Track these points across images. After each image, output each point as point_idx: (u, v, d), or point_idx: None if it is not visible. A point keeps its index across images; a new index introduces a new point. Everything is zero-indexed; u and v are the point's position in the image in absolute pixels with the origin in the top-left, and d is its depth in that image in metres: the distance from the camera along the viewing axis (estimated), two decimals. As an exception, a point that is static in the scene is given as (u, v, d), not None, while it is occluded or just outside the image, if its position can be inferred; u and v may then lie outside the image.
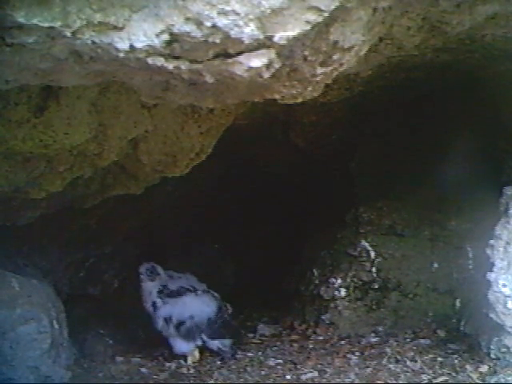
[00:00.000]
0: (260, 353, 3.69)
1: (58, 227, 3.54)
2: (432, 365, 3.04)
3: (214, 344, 3.64)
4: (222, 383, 3.21)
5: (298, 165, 5.11)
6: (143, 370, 3.47)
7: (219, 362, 3.54)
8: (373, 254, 3.99)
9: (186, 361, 3.58)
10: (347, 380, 3.03)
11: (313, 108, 3.98)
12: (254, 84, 1.64)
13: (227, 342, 3.67)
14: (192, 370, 3.46)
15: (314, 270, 4.30)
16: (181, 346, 3.61)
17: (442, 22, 2.29)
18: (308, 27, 1.46)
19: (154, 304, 3.71)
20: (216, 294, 3.81)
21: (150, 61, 1.52)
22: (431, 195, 3.88)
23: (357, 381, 3.00)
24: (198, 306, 3.68)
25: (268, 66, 1.53)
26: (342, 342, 3.72)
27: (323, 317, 4.01)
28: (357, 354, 3.45)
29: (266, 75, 1.57)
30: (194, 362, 3.56)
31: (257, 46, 1.48)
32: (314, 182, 5.12)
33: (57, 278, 3.83)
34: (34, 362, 2.83)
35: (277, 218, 5.76)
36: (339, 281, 4.03)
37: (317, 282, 4.23)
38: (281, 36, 1.45)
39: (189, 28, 1.43)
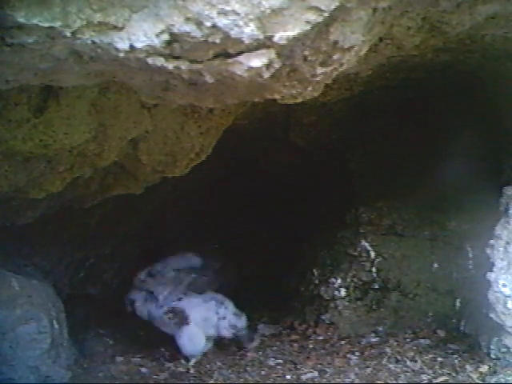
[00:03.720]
0: (260, 353, 3.69)
1: (57, 227, 3.54)
2: (432, 365, 3.04)
3: (228, 331, 3.64)
4: (221, 383, 3.22)
5: (297, 165, 5.11)
6: (143, 370, 3.47)
7: (219, 363, 3.54)
8: (373, 254, 4.00)
9: (187, 360, 3.57)
10: (347, 380, 3.04)
11: (313, 108, 3.98)
12: (254, 84, 1.64)
13: (240, 323, 3.67)
14: (192, 370, 3.46)
15: (314, 270, 4.30)
16: (190, 342, 3.59)
17: (442, 22, 2.29)
18: (308, 27, 1.45)
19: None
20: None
21: (150, 61, 1.52)
22: (431, 195, 3.88)
23: (357, 381, 3.01)
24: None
25: (268, 65, 1.53)
26: (342, 342, 3.72)
27: (323, 317, 4.02)
28: (357, 353, 3.45)
29: (266, 75, 1.57)
30: (194, 362, 3.56)
31: (257, 46, 1.48)
32: (314, 182, 5.12)
33: (57, 278, 3.83)
34: (34, 362, 2.83)
35: (277, 217, 5.76)
36: (339, 281, 4.03)
37: (317, 281, 4.23)
38: (281, 36, 1.45)
39: (189, 28, 1.42)
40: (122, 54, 1.50)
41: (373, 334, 3.77)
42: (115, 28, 1.46)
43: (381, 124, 4.27)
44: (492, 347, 2.88)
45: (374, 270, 3.98)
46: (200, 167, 3.33)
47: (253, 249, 5.94)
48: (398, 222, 4.06)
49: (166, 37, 1.45)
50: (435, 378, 2.88)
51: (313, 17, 1.44)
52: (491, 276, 2.79)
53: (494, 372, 2.77)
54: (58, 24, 1.44)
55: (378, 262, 3.97)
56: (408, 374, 3.00)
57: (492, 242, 2.86)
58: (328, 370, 3.22)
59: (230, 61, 1.52)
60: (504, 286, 2.74)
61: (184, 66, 1.54)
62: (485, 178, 3.39)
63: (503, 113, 3.40)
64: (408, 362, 3.13)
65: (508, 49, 2.75)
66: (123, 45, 1.47)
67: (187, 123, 2.98)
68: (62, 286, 3.88)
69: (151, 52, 1.49)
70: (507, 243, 2.81)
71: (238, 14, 1.39)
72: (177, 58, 1.53)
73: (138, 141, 2.87)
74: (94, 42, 1.49)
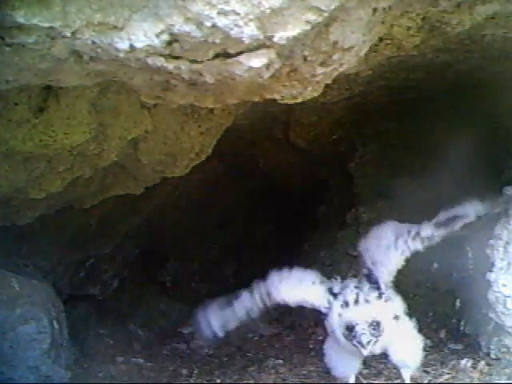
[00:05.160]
0: (260, 353, 3.69)
1: (58, 227, 3.54)
2: (432, 365, 3.04)
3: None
4: (222, 383, 3.21)
5: (298, 165, 5.11)
6: (143, 370, 3.47)
7: (217, 361, 3.54)
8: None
9: None
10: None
11: (313, 108, 3.98)
12: (254, 84, 1.64)
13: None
14: (196, 371, 3.46)
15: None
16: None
17: (442, 22, 2.29)
18: (308, 27, 1.45)
19: None
20: None
21: (149, 61, 1.52)
22: (431, 195, 3.88)
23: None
24: None
25: (268, 65, 1.53)
26: (342, 342, 3.71)
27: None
28: (357, 353, 3.44)
29: (266, 75, 1.57)
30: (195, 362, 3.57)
31: (257, 46, 1.48)
32: (314, 182, 5.12)
33: (57, 278, 3.82)
34: (33, 362, 2.83)
35: (277, 217, 5.76)
36: (339, 281, 4.03)
37: (317, 281, 4.23)
38: (281, 36, 1.45)
39: (189, 28, 1.42)
40: (121, 54, 1.50)
41: (373, 334, 3.76)
42: (115, 28, 1.46)
43: (381, 124, 4.27)
44: (492, 347, 2.88)
45: (374, 270, 3.96)
46: (200, 167, 3.33)
47: (253, 249, 5.94)
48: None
49: (165, 37, 1.45)
50: (435, 377, 2.87)
51: (313, 17, 1.44)
52: (491, 276, 2.79)
53: (494, 372, 2.77)
54: (58, 24, 1.44)
55: (378, 262, 3.96)
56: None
57: (492, 242, 2.86)
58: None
59: (229, 61, 1.52)
60: (504, 285, 2.74)
61: (184, 65, 1.55)
62: (485, 178, 3.38)
63: (503, 113, 3.40)
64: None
65: (508, 49, 2.75)
66: (123, 45, 1.47)
67: (187, 123, 2.98)
68: (61, 286, 3.87)
69: (151, 52, 1.49)
70: (507, 243, 2.81)
71: (238, 13, 1.39)
72: (177, 57, 1.53)
73: (138, 141, 2.87)
74: (94, 42, 1.49)
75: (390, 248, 2.76)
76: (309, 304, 2.68)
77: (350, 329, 2.46)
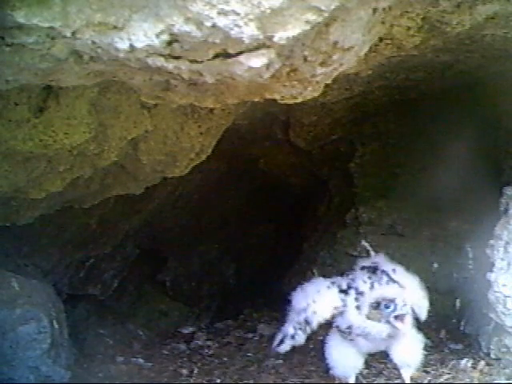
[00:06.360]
0: (260, 353, 3.69)
1: (57, 227, 3.54)
2: (432, 365, 3.04)
3: None
4: (222, 383, 3.21)
5: (297, 165, 5.11)
6: (143, 370, 3.47)
7: (217, 361, 3.54)
8: (373, 254, 3.99)
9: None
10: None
11: (313, 108, 3.98)
12: (254, 84, 1.64)
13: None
14: (195, 370, 3.46)
15: (314, 270, 4.30)
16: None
17: (441, 22, 2.29)
18: (308, 27, 1.45)
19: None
20: None
21: (149, 61, 1.52)
22: (431, 195, 3.88)
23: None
24: None
25: (268, 65, 1.53)
26: (342, 342, 3.71)
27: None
28: (357, 353, 3.44)
29: (266, 75, 1.57)
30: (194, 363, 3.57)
31: (257, 46, 1.48)
32: (314, 181, 5.12)
33: (57, 278, 3.82)
34: (33, 362, 2.83)
35: (277, 217, 5.76)
36: (339, 281, 4.03)
37: (317, 282, 4.23)
38: (281, 36, 1.45)
39: (189, 28, 1.42)
40: (122, 54, 1.50)
41: (373, 334, 3.75)
42: (115, 28, 1.46)
43: (381, 124, 4.27)
44: (492, 347, 2.88)
45: (373, 269, 3.97)
46: (200, 167, 3.33)
47: (253, 249, 5.94)
48: (398, 222, 4.06)
49: (165, 37, 1.45)
50: (435, 377, 2.87)
51: (313, 17, 1.44)
52: (491, 276, 2.79)
53: (494, 372, 2.77)
54: (58, 24, 1.44)
55: (378, 262, 3.96)
56: (408, 373, 2.99)
57: (492, 242, 2.86)
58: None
59: (230, 61, 1.52)
60: (504, 285, 2.74)
61: (184, 66, 1.55)
62: (485, 178, 3.39)
63: (503, 113, 3.41)
64: (408, 362, 3.12)
65: (508, 49, 2.75)
66: (123, 45, 1.47)
67: (187, 123, 2.98)
68: (61, 286, 3.88)
69: (151, 52, 1.49)
70: (507, 243, 2.81)
71: (238, 14, 1.39)
72: (177, 58, 1.53)
73: (138, 141, 2.87)
74: (94, 42, 1.49)
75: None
76: (337, 310, 2.56)
77: (387, 306, 2.37)
